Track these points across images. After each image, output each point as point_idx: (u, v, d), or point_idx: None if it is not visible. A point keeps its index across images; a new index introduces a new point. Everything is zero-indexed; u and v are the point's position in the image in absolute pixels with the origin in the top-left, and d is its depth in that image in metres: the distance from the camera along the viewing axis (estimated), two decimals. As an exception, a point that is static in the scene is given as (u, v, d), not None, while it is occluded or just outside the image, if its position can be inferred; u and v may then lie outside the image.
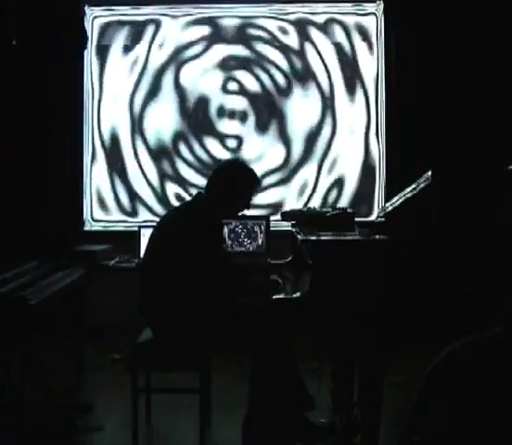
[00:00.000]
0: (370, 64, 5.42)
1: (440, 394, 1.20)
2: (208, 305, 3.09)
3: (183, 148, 5.48)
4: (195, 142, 5.47)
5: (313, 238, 2.86)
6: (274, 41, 5.43)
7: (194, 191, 4.27)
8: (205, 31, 5.44)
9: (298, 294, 2.73)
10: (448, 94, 5.11)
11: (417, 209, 3.03)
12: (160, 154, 5.48)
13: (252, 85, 5.45)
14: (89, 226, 5.45)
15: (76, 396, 3.91)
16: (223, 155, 5.40)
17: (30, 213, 5.02)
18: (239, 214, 3.43)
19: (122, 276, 4.59)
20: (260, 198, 5.11)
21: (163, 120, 5.47)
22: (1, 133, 5.07)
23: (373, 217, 5.31)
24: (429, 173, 2.81)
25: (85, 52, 5.35)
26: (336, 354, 3.62)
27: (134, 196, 5.47)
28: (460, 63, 5.12)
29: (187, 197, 5.02)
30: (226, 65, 5.45)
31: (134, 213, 5.47)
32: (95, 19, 5.42)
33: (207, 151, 5.47)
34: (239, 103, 5.46)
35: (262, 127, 5.47)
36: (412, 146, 5.16)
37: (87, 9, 5.41)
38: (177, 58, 5.45)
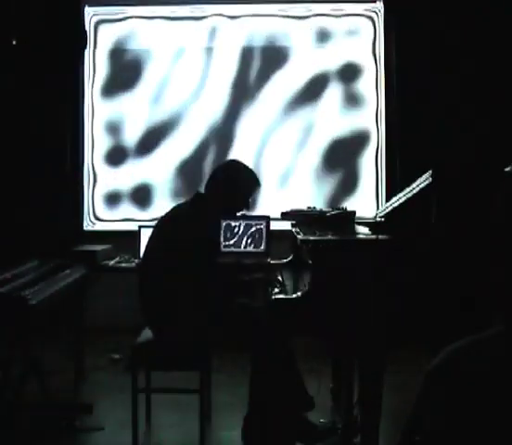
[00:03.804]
0: (370, 64, 5.41)
1: (440, 394, 1.20)
2: (208, 305, 3.10)
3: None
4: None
5: (313, 238, 2.86)
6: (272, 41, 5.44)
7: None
8: (207, 28, 5.45)
9: (298, 294, 2.73)
10: (448, 94, 5.11)
11: (417, 208, 3.03)
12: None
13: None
14: (89, 226, 5.44)
15: (76, 396, 3.91)
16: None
17: (30, 213, 5.02)
18: (239, 214, 3.44)
19: (122, 276, 4.59)
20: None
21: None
22: (1, 133, 5.07)
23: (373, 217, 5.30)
24: (429, 173, 2.81)
25: (85, 51, 5.35)
26: (336, 354, 3.62)
27: (135, 195, 5.47)
28: (460, 63, 5.12)
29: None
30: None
31: (135, 213, 5.46)
32: (93, 18, 5.43)
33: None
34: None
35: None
36: (412, 145, 5.16)
37: (87, 9, 5.41)
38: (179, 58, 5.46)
